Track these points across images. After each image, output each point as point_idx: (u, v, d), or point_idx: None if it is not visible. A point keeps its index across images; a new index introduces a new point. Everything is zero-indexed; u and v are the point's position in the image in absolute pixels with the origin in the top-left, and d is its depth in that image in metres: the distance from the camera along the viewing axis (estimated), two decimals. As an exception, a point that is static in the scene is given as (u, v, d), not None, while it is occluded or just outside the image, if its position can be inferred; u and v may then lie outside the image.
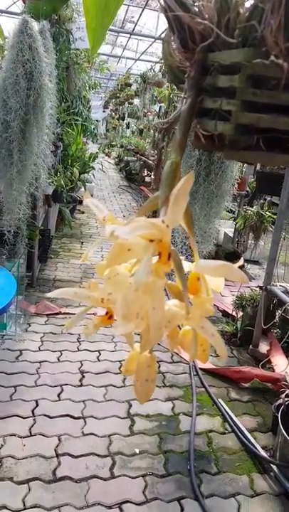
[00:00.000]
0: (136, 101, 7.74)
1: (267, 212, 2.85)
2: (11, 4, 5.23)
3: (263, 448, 1.60)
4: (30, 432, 1.52)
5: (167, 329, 0.35)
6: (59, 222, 3.70)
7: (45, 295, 2.62)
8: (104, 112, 12.20)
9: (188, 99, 0.38)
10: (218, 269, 0.34)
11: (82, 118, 3.73)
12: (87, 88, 3.99)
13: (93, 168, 4.27)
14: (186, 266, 0.40)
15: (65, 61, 2.84)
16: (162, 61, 0.43)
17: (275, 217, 2.82)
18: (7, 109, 1.87)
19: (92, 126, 4.59)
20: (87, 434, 1.54)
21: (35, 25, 1.95)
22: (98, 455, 1.46)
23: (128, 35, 6.18)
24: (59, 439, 1.50)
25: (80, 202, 4.45)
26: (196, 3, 0.37)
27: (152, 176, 6.47)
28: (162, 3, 0.38)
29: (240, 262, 0.47)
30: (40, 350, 2.05)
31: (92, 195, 6.23)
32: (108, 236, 0.30)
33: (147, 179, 6.95)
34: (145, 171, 7.01)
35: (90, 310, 0.36)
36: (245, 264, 3.51)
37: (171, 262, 0.35)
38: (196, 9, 0.36)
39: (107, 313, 0.37)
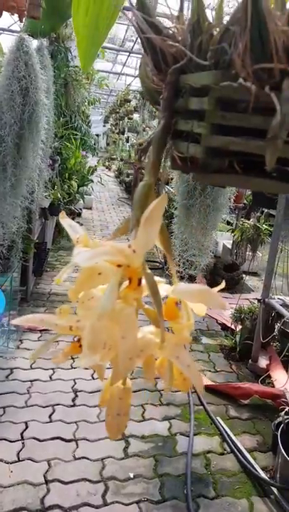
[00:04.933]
0: (135, 116, 7.82)
1: (263, 225, 2.84)
2: (12, 23, 5.34)
3: (263, 469, 1.55)
4: (19, 457, 1.47)
5: (140, 359, 0.33)
6: (56, 235, 3.69)
7: (38, 310, 2.59)
8: (104, 126, 12.35)
9: (162, 121, 0.36)
10: (196, 295, 0.33)
11: (81, 132, 3.76)
12: (86, 104, 4.04)
13: (92, 181, 4.29)
14: (164, 290, 0.38)
15: (64, 78, 2.87)
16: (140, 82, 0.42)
17: (271, 229, 2.81)
18: (1, 123, 1.88)
19: (92, 141, 4.63)
20: (78, 458, 1.49)
21: (33, 43, 1.98)
22: (90, 480, 1.41)
23: (127, 53, 6.31)
24: (49, 464, 1.45)
25: (79, 214, 4.45)
26: (169, 26, 0.36)
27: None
28: (135, 24, 0.37)
29: (222, 285, 0.45)
30: (32, 368, 2.01)
31: (91, 208, 6.21)
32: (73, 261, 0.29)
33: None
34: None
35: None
36: (244, 275, 3.48)
37: (143, 287, 0.33)
38: (169, 31, 0.35)
39: (79, 340, 0.35)
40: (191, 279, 1.89)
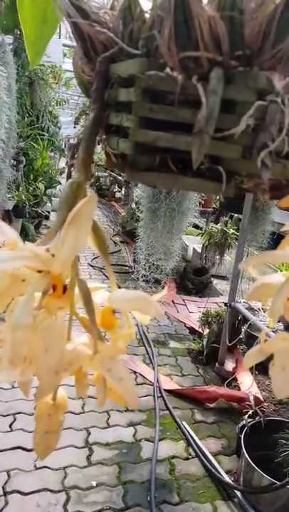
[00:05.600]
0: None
1: (230, 229, 2.88)
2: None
3: (227, 472, 1.55)
4: (-24, 469, 1.40)
5: (68, 372, 0.30)
6: (22, 238, 3.60)
7: None
8: (75, 127, 12.22)
9: (92, 114, 0.34)
10: (132, 303, 0.30)
11: (48, 133, 3.68)
12: (54, 104, 3.96)
13: (60, 183, 4.21)
14: (101, 297, 0.36)
15: (28, 76, 2.80)
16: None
17: (238, 233, 2.85)
18: None
19: (61, 142, 4.55)
20: (39, 468, 1.44)
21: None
22: (51, 490, 1.36)
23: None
24: (8, 475, 1.39)
25: (47, 217, 4.36)
26: (99, 11, 0.34)
27: (123, 192, 6.47)
28: (61, 8, 0.34)
29: (164, 291, 0.43)
30: (-7, 375, 1.92)
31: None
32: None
33: (118, 195, 6.95)
34: (116, 187, 7.02)
35: None
36: (213, 279, 3.51)
37: (74, 295, 0.31)
38: (98, 17, 0.33)
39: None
40: (157, 282, 1.87)
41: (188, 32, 0.26)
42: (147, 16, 0.31)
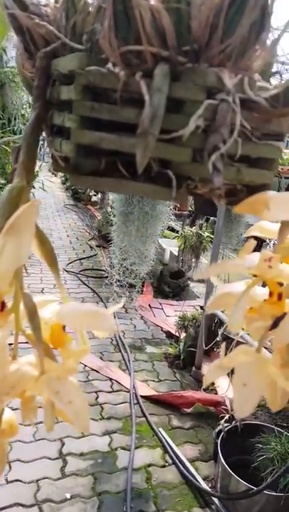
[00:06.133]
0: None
1: (205, 232, 2.90)
2: None
3: (205, 479, 1.53)
4: None
5: (10, 396, 0.27)
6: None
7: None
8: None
9: (34, 113, 0.31)
10: (82, 318, 0.28)
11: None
12: (26, 107, 3.89)
13: (33, 187, 4.14)
14: (50, 312, 0.33)
15: (-1, 78, 2.74)
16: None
17: (213, 236, 2.87)
18: None
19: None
20: (11, 481, 1.38)
21: None
22: (23, 505, 1.31)
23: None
24: (-24, 492, 1.33)
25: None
26: (39, 3, 0.31)
27: (99, 195, 6.42)
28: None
29: (120, 305, 0.40)
30: None
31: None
32: None
33: (94, 198, 6.89)
34: (92, 190, 6.94)
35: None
36: (189, 282, 3.52)
37: (15, 310, 0.28)
38: (38, 9, 0.30)
39: None
40: (132, 287, 1.85)
41: (128, 23, 0.24)
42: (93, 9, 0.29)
